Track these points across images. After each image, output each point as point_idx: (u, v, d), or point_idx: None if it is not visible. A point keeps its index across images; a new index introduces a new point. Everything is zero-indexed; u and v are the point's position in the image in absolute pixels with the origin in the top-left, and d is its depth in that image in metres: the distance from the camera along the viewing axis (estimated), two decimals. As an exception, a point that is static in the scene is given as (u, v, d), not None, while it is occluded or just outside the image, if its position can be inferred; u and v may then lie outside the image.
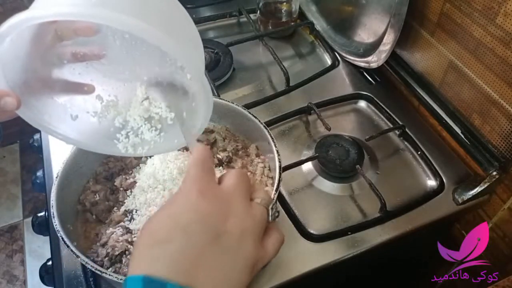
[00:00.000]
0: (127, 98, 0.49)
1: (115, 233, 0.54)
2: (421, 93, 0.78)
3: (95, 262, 0.51)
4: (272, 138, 0.59)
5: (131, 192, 0.59)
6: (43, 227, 0.70)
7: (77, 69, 0.47)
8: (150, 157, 0.62)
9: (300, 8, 0.99)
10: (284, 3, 0.96)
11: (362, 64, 0.86)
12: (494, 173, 0.66)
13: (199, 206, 0.34)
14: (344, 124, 0.81)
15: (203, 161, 0.37)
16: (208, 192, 0.35)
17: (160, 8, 0.38)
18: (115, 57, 0.47)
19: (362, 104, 0.85)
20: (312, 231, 0.64)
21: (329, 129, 0.74)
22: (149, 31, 0.34)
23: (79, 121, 0.48)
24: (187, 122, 0.47)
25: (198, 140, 0.58)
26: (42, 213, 0.71)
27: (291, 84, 0.85)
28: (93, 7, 0.33)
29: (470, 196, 0.67)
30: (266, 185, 0.61)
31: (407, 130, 0.77)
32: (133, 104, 0.49)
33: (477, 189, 0.66)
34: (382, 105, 0.82)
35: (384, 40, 0.75)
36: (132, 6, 0.35)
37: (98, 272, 0.48)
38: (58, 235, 0.50)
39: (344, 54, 0.91)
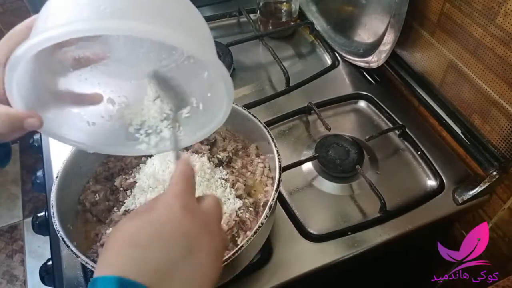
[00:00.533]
0: (138, 96, 0.49)
1: (115, 233, 0.54)
2: (421, 93, 0.78)
3: (95, 262, 0.51)
4: (272, 138, 0.59)
5: (131, 192, 0.59)
6: (43, 227, 0.69)
7: (83, 75, 0.46)
8: (150, 157, 0.62)
9: (300, 8, 0.99)
10: (284, 3, 0.96)
11: (362, 64, 0.86)
12: (494, 173, 0.66)
13: (182, 220, 0.34)
14: (344, 124, 0.81)
15: (188, 177, 0.38)
16: (190, 209, 0.36)
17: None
18: (119, 56, 0.47)
19: (362, 104, 0.85)
20: (312, 231, 0.64)
21: (329, 129, 0.74)
22: (159, 32, 0.34)
23: (96, 127, 0.48)
24: (205, 114, 0.46)
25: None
26: (42, 213, 0.71)
27: (291, 84, 0.85)
28: (105, 19, 0.33)
29: (470, 196, 0.67)
30: (266, 185, 0.61)
31: (407, 130, 0.77)
32: (146, 103, 0.49)
33: (477, 189, 0.66)
34: (382, 105, 0.82)
35: (384, 40, 0.75)
36: (135, 7, 0.35)
37: (98, 272, 0.48)
38: (58, 235, 0.50)
39: (344, 54, 0.91)
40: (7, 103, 0.39)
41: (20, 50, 0.33)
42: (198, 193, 0.55)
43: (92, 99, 0.47)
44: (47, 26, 0.34)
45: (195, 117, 0.48)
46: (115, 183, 0.60)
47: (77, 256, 0.48)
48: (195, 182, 0.39)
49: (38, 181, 0.74)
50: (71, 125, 0.46)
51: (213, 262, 0.35)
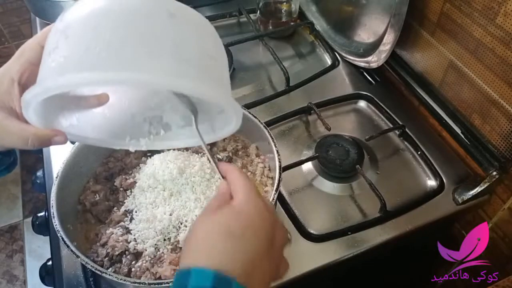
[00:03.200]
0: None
1: (115, 233, 0.54)
2: (421, 93, 0.78)
3: (95, 262, 0.51)
4: (272, 138, 0.59)
5: (131, 192, 0.59)
6: (43, 227, 0.69)
7: None
8: (150, 157, 0.62)
9: (300, 8, 0.99)
10: (284, 3, 0.96)
11: (362, 64, 0.86)
12: (494, 173, 0.66)
13: (266, 215, 0.37)
14: (344, 124, 0.81)
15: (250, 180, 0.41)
16: (268, 207, 0.38)
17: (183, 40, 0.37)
18: None
19: (362, 104, 0.85)
20: (312, 231, 0.64)
21: (329, 129, 0.74)
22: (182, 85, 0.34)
23: (119, 124, 0.49)
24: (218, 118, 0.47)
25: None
26: (42, 213, 0.71)
27: (291, 84, 0.85)
28: (116, 69, 0.33)
29: (470, 196, 0.67)
30: (266, 185, 0.61)
31: (407, 130, 0.77)
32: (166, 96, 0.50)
33: (477, 189, 0.66)
34: (382, 105, 0.82)
35: (384, 40, 0.75)
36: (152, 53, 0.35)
37: (98, 272, 0.48)
38: (58, 235, 0.50)
39: (344, 54, 0.91)
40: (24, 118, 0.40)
41: (29, 96, 0.35)
42: (198, 193, 0.56)
43: (100, 100, 0.47)
44: (51, 67, 0.34)
45: (206, 118, 0.48)
46: (115, 183, 0.60)
47: (77, 256, 0.48)
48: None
49: (38, 181, 0.74)
50: (95, 125, 0.48)
51: (281, 255, 0.38)
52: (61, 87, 0.33)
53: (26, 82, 0.41)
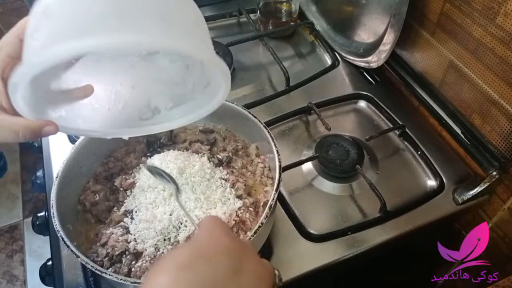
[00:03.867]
0: (142, 75, 0.50)
1: (115, 233, 0.54)
2: (421, 93, 0.78)
3: (95, 262, 0.51)
4: (272, 138, 0.59)
5: (131, 192, 0.59)
6: (43, 227, 0.70)
7: (86, 63, 0.46)
8: (150, 157, 0.62)
9: (300, 8, 0.99)
10: (284, 3, 0.96)
11: (362, 64, 0.86)
12: (494, 173, 0.66)
13: (224, 241, 0.35)
14: (344, 124, 0.81)
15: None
16: (230, 233, 0.36)
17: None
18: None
19: (362, 104, 0.85)
20: (312, 231, 0.64)
21: (329, 129, 0.74)
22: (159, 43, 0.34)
23: (110, 113, 0.49)
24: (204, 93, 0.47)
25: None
26: (42, 213, 0.71)
27: (291, 84, 0.85)
28: (90, 35, 0.32)
29: (470, 196, 0.67)
30: (266, 185, 0.61)
31: (407, 130, 0.77)
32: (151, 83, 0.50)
33: (477, 189, 0.66)
34: (382, 105, 0.82)
35: (384, 40, 0.75)
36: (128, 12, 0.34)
37: (98, 272, 0.48)
38: (58, 235, 0.50)
39: (344, 54, 0.91)
40: (14, 112, 0.40)
41: (16, 76, 0.34)
42: (198, 193, 0.56)
43: (85, 91, 0.47)
44: (36, 46, 0.34)
45: (193, 96, 0.48)
46: (115, 183, 0.60)
47: (77, 256, 0.48)
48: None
49: (38, 181, 0.74)
50: (84, 117, 0.47)
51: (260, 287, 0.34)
52: (47, 60, 0.32)
53: (8, 77, 0.40)
